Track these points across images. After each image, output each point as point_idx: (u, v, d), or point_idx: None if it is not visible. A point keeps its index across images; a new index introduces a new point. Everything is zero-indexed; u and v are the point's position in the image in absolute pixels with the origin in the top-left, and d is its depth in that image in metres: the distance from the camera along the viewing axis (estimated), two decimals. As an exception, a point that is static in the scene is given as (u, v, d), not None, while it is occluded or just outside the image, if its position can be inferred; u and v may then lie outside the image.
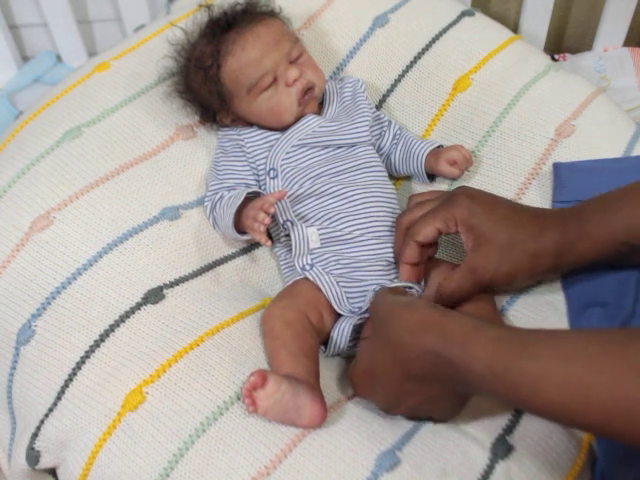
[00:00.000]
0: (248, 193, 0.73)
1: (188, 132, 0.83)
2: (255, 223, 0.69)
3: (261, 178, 0.78)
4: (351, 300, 0.71)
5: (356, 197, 0.75)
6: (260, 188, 0.78)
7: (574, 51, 1.14)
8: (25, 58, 1.22)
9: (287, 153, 0.77)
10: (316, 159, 0.77)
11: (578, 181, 0.75)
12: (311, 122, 0.78)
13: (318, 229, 0.73)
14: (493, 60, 0.87)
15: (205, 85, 0.78)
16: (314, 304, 0.70)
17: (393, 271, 0.73)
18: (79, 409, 0.65)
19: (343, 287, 0.71)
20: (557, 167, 0.77)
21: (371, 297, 0.69)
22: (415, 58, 0.88)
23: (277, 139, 0.78)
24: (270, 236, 0.75)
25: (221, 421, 0.62)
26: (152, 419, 0.62)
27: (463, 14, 0.91)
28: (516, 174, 0.79)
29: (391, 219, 0.75)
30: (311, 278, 0.71)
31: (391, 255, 0.74)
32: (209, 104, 0.80)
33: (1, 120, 1.10)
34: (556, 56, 1.12)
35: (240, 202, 0.72)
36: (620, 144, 0.79)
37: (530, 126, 0.81)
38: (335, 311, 0.71)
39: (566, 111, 0.81)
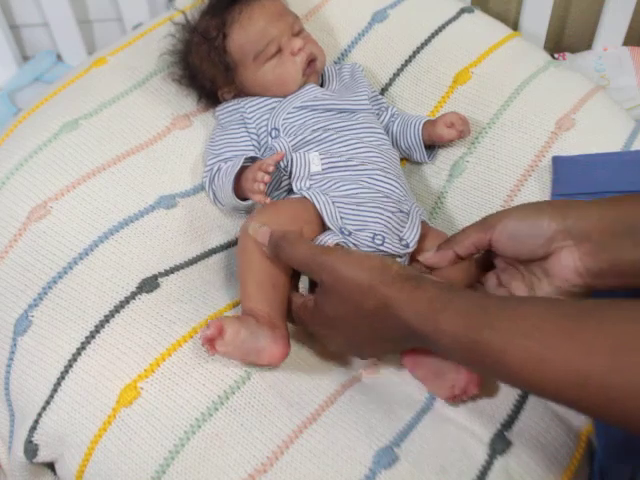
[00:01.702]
0: (246, 159, 0.73)
1: (184, 121, 0.83)
2: (255, 183, 0.68)
3: (262, 141, 0.78)
4: (345, 220, 0.69)
5: (359, 145, 0.74)
6: (262, 153, 0.77)
7: (574, 50, 1.13)
8: (25, 58, 1.22)
9: (288, 113, 0.77)
10: (317, 118, 0.77)
11: (577, 174, 0.75)
12: (313, 89, 0.78)
13: (321, 154, 0.73)
14: (493, 55, 0.87)
15: (209, 57, 0.78)
16: (296, 219, 0.67)
17: (390, 205, 0.71)
18: (76, 402, 0.65)
19: (339, 208, 0.69)
20: (556, 160, 0.77)
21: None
22: (414, 53, 0.88)
23: (279, 102, 0.78)
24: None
25: (217, 417, 0.61)
26: (147, 415, 0.62)
27: (462, 11, 0.91)
28: (516, 166, 0.79)
29: (393, 174, 0.73)
30: (307, 196, 0.70)
31: (389, 191, 0.72)
32: (212, 78, 0.80)
33: (2, 119, 1.10)
34: (556, 55, 1.11)
35: (239, 167, 0.71)
36: (619, 139, 0.79)
37: (531, 119, 0.81)
38: (317, 232, 0.68)
39: (567, 105, 0.81)
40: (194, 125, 0.83)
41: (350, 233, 0.68)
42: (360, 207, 0.70)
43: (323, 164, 0.72)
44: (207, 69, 0.80)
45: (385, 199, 0.71)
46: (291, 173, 0.73)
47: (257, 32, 0.77)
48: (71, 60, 1.19)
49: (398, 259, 0.69)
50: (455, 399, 0.63)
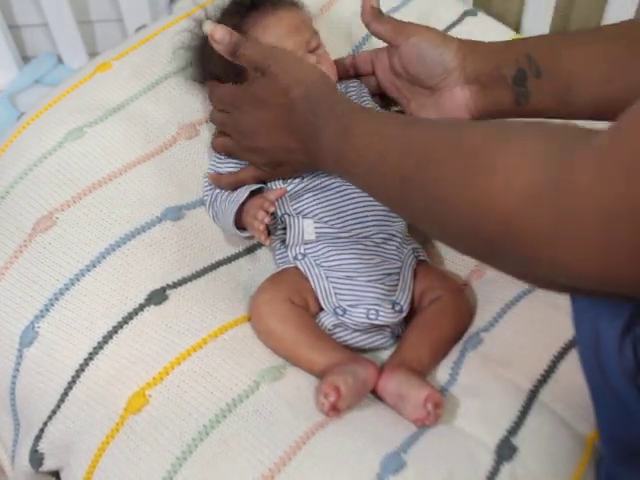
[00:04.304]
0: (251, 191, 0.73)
1: (191, 131, 0.82)
2: (255, 222, 0.69)
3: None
4: (339, 296, 0.71)
5: (356, 196, 0.74)
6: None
7: (576, 51, 1.13)
8: (26, 58, 1.22)
9: None
10: None
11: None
12: None
13: (315, 222, 0.73)
14: (496, 60, 0.86)
15: (221, 60, 0.75)
16: (298, 290, 0.70)
17: (385, 271, 0.72)
18: (82, 411, 0.65)
19: (332, 282, 0.71)
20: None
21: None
22: (419, 58, 0.88)
23: None
24: (269, 232, 0.75)
25: (224, 424, 0.61)
26: (155, 422, 0.62)
27: (465, 14, 0.91)
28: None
29: (390, 224, 0.75)
30: (301, 268, 0.72)
31: (382, 250, 0.73)
32: (224, 76, 0.77)
33: (3, 121, 1.10)
34: (558, 56, 1.11)
35: (242, 200, 0.72)
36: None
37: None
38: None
39: (569, 111, 0.80)
40: (200, 135, 0.83)
41: (344, 312, 0.70)
42: (353, 281, 0.71)
43: (317, 231, 0.73)
44: (219, 72, 0.77)
45: (376, 267, 0.72)
46: (285, 229, 0.74)
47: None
48: (71, 61, 1.19)
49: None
50: (421, 421, 0.62)
